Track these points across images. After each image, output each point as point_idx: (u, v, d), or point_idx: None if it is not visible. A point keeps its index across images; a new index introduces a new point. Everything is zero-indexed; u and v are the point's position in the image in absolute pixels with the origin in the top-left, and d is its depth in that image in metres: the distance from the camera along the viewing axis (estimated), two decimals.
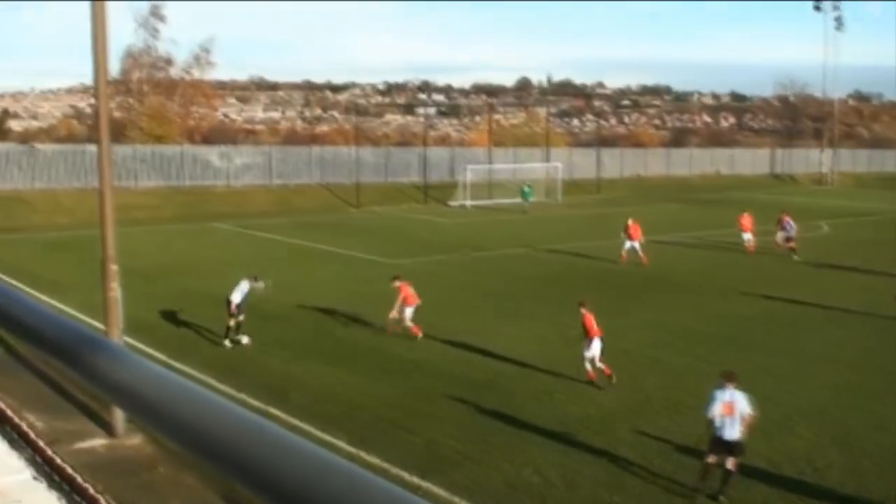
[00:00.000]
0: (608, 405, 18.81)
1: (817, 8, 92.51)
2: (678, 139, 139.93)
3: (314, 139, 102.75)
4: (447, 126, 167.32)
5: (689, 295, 30.77)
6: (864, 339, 24.32)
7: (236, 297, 23.84)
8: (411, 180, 68.74)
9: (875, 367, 21.61)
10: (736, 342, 23.83)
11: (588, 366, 20.14)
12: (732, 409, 13.65)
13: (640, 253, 36.84)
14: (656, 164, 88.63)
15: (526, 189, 62.59)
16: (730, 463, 13.55)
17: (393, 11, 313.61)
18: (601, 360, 20.10)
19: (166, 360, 20.44)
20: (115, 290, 17.58)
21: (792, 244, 39.64)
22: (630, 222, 37.59)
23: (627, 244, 37.33)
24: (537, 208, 60.79)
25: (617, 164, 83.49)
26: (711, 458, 13.66)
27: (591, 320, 20.45)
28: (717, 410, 13.73)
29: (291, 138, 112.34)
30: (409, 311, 24.20)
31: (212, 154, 64.26)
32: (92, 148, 46.96)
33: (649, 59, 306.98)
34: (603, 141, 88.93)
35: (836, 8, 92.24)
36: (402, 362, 20.36)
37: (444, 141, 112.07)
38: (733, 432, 13.60)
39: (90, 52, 17.04)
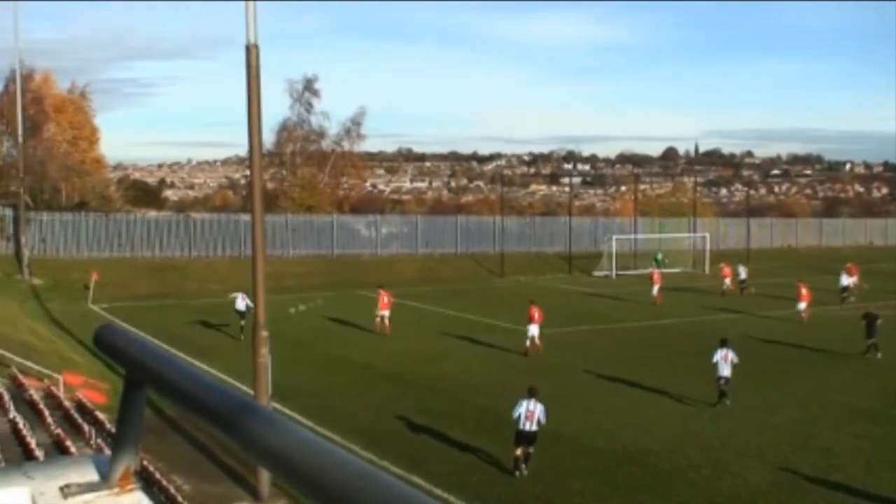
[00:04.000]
0: (757, 483, 18.15)
1: None
2: (830, 209, 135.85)
3: (459, 209, 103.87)
4: (592, 196, 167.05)
5: (842, 368, 29.53)
6: None
7: (240, 306, 34.44)
8: (555, 250, 68.56)
9: None
10: (890, 418, 22.72)
11: (528, 342, 31.46)
12: (533, 415, 18.64)
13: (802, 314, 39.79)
14: (807, 234, 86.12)
15: (658, 257, 61.71)
16: (529, 449, 18.67)
17: (540, 83, 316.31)
18: (538, 339, 31.20)
19: (312, 425, 20.67)
20: (265, 356, 18.03)
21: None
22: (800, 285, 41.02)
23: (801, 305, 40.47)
24: (684, 279, 59.65)
25: (766, 234, 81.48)
26: (519, 451, 18.56)
27: (534, 312, 31.70)
28: (522, 413, 18.67)
29: (437, 208, 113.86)
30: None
31: (360, 223, 65.71)
32: (245, 217, 48.71)
33: (800, 129, 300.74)
34: (752, 211, 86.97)
35: None
36: (544, 434, 20.16)
37: (588, 211, 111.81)
38: (532, 427, 18.57)
39: (246, 126, 17.74)
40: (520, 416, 18.68)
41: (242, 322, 33.89)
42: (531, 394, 19.06)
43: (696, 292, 51.32)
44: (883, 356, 30.91)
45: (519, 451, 18.62)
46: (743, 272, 53.38)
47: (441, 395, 25.52)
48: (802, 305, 40.56)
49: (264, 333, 18.11)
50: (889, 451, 19.99)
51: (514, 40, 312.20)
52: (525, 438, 18.63)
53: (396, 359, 30.73)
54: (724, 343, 24.99)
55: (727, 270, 52.31)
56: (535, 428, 18.64)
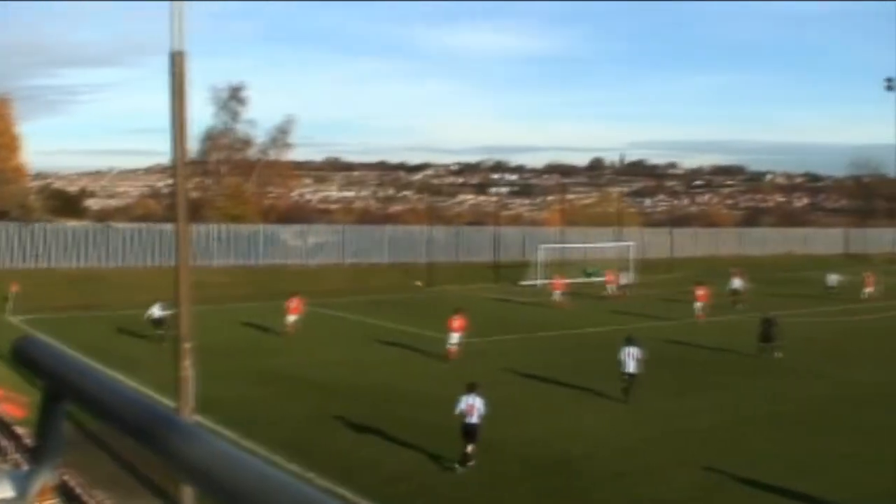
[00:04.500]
0: (682, 487, 18.42)
1: (889, 88, 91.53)
2: (751, 219, 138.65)
3: (388, 218, 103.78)
4: (520, 206, 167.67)
5: (765, 376, 30.15)
6: None
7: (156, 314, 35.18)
8: (483, 260, 68.91)
9: None
10: (812, 423, 23.25)
11: (451, 347, 32.46)
12: (473, 409, 19.86)
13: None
14: (729, 243, 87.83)
15: (589, 271, 62.73)
16: (469, 448, 19.49)
17: (467, 93, 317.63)
18: (459, 346, 32.52)
19: (236, 438, 20.53)
20: (188, 369, 17.79)
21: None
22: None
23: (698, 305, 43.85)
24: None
25: (690, 243, 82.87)
26: (469, 448, 19.51)
27: (455, 321, 32.94)
28: (463, 408, 19.94)
29: (365, 218, 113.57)
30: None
31: (287, 233, 65.28)
32: (169, 227, 48.07)
33: (723, 140, 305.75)
34: (676, 221, 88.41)
35: None
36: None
37: (516, 220, 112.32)
38: (473, 419, 19.74)
39: (170, 134, 17.52)
40: (462, 411, 19.94)
41: (160, 331, 34.25)
42: (470, 389, 20.34)
43: (620, 299, 51.90)
44: (784, 356, 32.54)
45: (469, 449, 19.58)
46: (624, 278, 58.08)
47: (367, 405, 25.46)
48: (699, 305, 43.91)
49: (187, 345, 17.88)
50: (808, 453, 20.45)
51: (442, 50, 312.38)
52: (468, 432, 19.71)
53: (322, 369, 30.62)
54: (629, 341, 26.99)
55: (611, 277, 57.32)
56: (475, 420, 19.77)
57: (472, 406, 19.92)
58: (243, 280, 57.12)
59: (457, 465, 19.45)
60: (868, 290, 54.83)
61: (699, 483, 18.80)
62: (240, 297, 52.09)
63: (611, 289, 55.80)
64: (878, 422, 23.49)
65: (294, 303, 39.45)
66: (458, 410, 20.10)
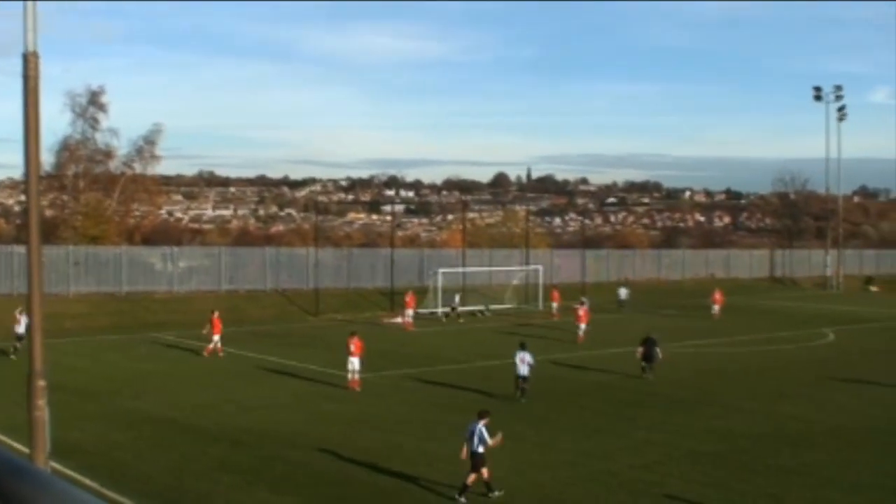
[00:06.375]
0: None
1: (818, 98, 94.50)
2: (669, 240, 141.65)
3: (269, 240, 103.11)
4: (416, 225, 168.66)
5: (681, 412, 30.75)
6: (878, 461, 24.35)
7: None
8: (376, 285, 68.87)
9: (890, 492, 21.60)
10: (735, 462, 23.79)
11: (350, 376, 33.72)
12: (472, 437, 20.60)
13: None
14: (645, 266, 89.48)
15: (486, 312, 64.52)
16: (470, 478, 20.10)
17: (358, 103, 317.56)
18: (357, 374, 33.65)
19: (98, 487, 20.11)
20: (43, 409, 17.39)
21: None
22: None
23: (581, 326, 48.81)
24: (516, 316, 60.99)
25: (603, 266, 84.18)
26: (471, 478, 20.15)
27: (358, 344, 33.95)
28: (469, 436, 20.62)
29: (244, 239, 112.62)
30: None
31: (153, 256, 64.22)
32: (20, 249, 46.97)
33: (637, 155, 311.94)
34: (587, 242, 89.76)
35: (838, 97, 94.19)
36: (373, 491, 20.16)
37: (412, 242, 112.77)
38: (480, 448, 20.38)
39: (22, 145, 17.18)
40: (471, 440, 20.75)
41: (18, 344, 36.05)
42: (481, 417, 21.11)
43: (531, 329, 52.36)
44: (655, 378, 35.69)
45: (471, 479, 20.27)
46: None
47: (248, 449, 25.15)
48: (582, 327, 48.44)
49: (41, 383, 17.47)
50: (734, 495, 20.89)
51: (330, 55, 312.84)
52: (473, 461, 20.45)
53: (197, 410, 30.15)
54: (522, 346, 32.81)
55: (556, 294, 63.72)
56: (482, 450, 20.54)
57: (472, 434, 20.65)
58: (104, 309, 56.00)
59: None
60: (717, 306, 62.75)
61: None
62: (101, 328, 51.08)
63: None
64: (805, 459, 24.19)
65: (215, 320, 42.50)
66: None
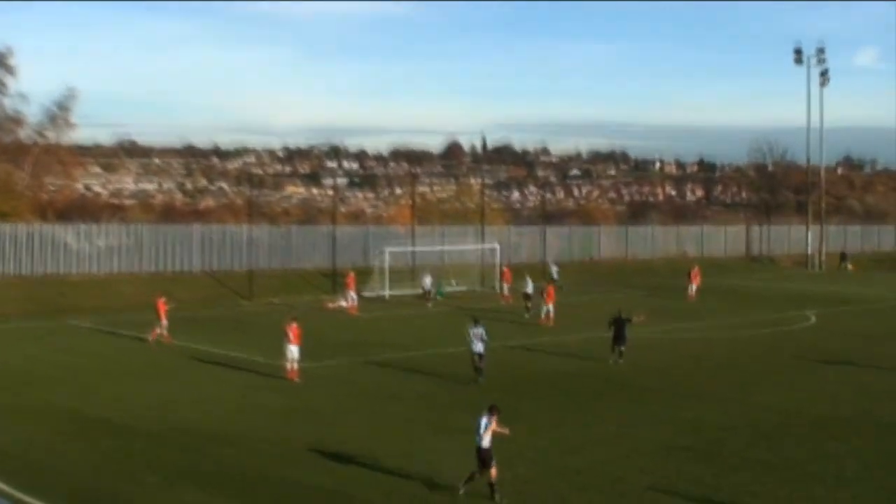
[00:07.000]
0: None
1: (798, 60, 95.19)
2: (637, 215, 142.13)
3: (198, 216, 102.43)
4: (361, 200, 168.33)
5: (652, 402, 30.92)
6: (860, 452, 24.59)
7: None
8: (317, 265, 68.63)
9: (876, 485, 21.81)
10: (710, 456, 23.94)
11: (288, 365, 33.65)
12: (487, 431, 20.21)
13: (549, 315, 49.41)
14: (612, 244, 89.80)
15: (442, 292, 64.32)
16: (491, 476, 19.89)
17: (296, 63, 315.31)
18: (297, 363, 33.62)
19: (13, 491, 20.07)
20: None
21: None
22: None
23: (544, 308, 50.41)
24: (473, 298, 61.08)
25: (565, 244, 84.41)
26: (477, 474, 20.13)
27: (296, 331, 33.73)
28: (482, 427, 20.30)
29: (169, 215, 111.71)
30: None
31: (68, 234, 63.52)
32: None
33: (603, 121, 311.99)
34: (548, 217, 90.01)
35: (820, 60, 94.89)
36: (313, 491, 20.08)
37: (357, 218, 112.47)
38: (484, 442, 20.14)
39: None
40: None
41: None
42: (491, 412, 20.58)
43: (489, 314, 52.41)
44: (625, 363, 36.40)
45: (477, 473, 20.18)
46: (530, 285, 56.35)
47: (174, 447, 25.00)
48: (550, 307, 49.66)
49: None
50: (710, 490, 21.01)
51: (260, 11, 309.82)
52: (479, 458, 20.16)
53: (117, 404, 29.96)
54: (475, 322, 33.98)
55: (508, 275, 64.55)
56: (486, 445, 20.10)
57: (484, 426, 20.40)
58: (14, 293, 55.54)
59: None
60: (694, 285, 64.14)
61: None
62: (10, 314, 50.67)
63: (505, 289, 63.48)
64: (786, 452, 24.40)
65: (161, 304, 43.35)
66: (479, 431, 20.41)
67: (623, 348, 37.10)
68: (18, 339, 43.58)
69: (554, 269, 65.85)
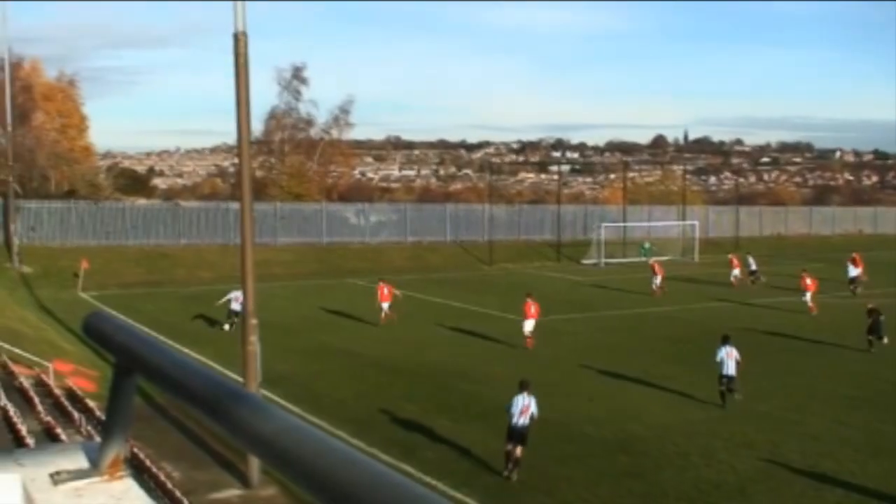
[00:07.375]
0: (745, 470, 18.24)
1: None
2: (819, 197, 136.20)
3: (448, 197, 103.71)
4: (581, 184, 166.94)
5: (827, 355, 29.65)
6: None
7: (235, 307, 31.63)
8: (544, 238, 68.62)
9: None
10: (876, 405, 22.86)
11: (526, 336, 30.63)
12: (527, 409, 18.14)
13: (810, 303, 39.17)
14: (797, 222, 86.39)
15: (646, 246, 62.40)
16: (518, 451, 17.88)
17: (528, 71, 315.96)
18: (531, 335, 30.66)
19: (301, 413, 20.69)
20: (254, 344, 18.03)
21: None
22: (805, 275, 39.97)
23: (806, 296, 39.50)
24: (673, 267, 59.87)
25: (756, 222, 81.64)
26: (510, 446, 17.94)
27: (529, 307, 30.83)
28: (517, 410, 18.12)
29: (426, 196, 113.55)
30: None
31: (348, 211, 65.56)
32: (234, 205, 48.65)
33: (789, 116, 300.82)
34: (741, 199, 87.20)
35: None
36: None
37: (577, 199, 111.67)
38: (525, 421, 18.06)
39: (234, 114, 17.70)
40: (513, 412, 18.15)
41: (236, 319, 31.51)
42: (523, 387, 18.47)
43: (687, 281, 51.34)
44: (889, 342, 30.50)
45: (510, 447, 18.00)
46: (753, 263, 51.64)
47: (428, 382, 25.57)
48: (808, 296, 39.53)
49: (253, 321, 18.12)
50: (876, 437, 20.11)
51: (502, 28, 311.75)
52: (517, 434, 18.01)
53: (384, 346, 30.78)
54: (726, 340, 24.02)
55: (736, 261, 50.74)
56: (527, 422, 18.10)
57: (527, 407, 18.14)
58: (307, 258, 57.51)
59: (508, 471, 17.88)
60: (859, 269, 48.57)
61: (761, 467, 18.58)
62: (304, 274, 52.54)
63: (735, 274, 49.85)
64: None
65: (384, 289, 36.78)
66: (510, 411, 18.27)
67: (879, 339, 30.79)
68: (311, 294, 45.09)
69: (752, 261, 55.59)
